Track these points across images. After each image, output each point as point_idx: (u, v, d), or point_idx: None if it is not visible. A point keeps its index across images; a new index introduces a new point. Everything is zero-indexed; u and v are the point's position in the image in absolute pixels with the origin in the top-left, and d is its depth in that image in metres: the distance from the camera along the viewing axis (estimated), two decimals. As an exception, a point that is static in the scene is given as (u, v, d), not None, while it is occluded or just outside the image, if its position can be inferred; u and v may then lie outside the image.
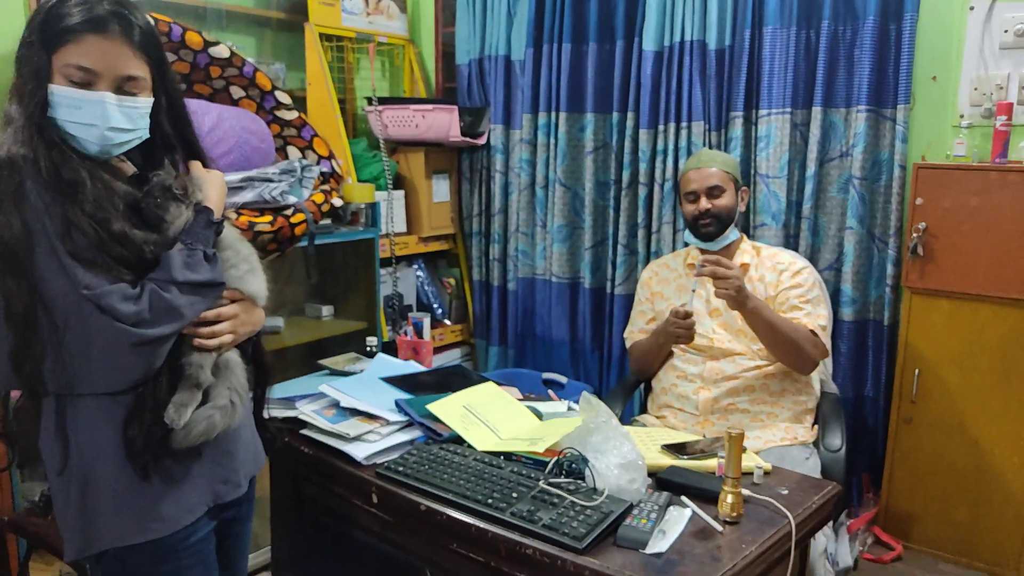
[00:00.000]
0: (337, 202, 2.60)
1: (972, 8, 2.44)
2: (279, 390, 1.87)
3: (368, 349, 2.23)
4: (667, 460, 1.61)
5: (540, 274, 3.29)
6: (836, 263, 2.69)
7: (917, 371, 2.51)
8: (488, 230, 3.46)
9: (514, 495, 1.42)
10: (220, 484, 1.36)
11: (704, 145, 2.81)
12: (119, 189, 1.23)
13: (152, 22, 1.27)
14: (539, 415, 1.82)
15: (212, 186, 1.34)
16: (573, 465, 1.48)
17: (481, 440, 1.66)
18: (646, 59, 2.87)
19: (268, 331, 2.61)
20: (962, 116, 2.48)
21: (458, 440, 1.67)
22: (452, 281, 3.55)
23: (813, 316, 2.16)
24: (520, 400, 1.91)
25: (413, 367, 2.10)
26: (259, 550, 2.43)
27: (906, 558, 2.55)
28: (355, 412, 1.76)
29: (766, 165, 2.70)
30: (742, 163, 2.65)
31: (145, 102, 1.25)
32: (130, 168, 1.31)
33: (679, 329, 2.15)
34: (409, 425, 1.74)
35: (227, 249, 1.33)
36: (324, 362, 2.12)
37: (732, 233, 2.27)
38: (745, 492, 1.43)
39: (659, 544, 1.30)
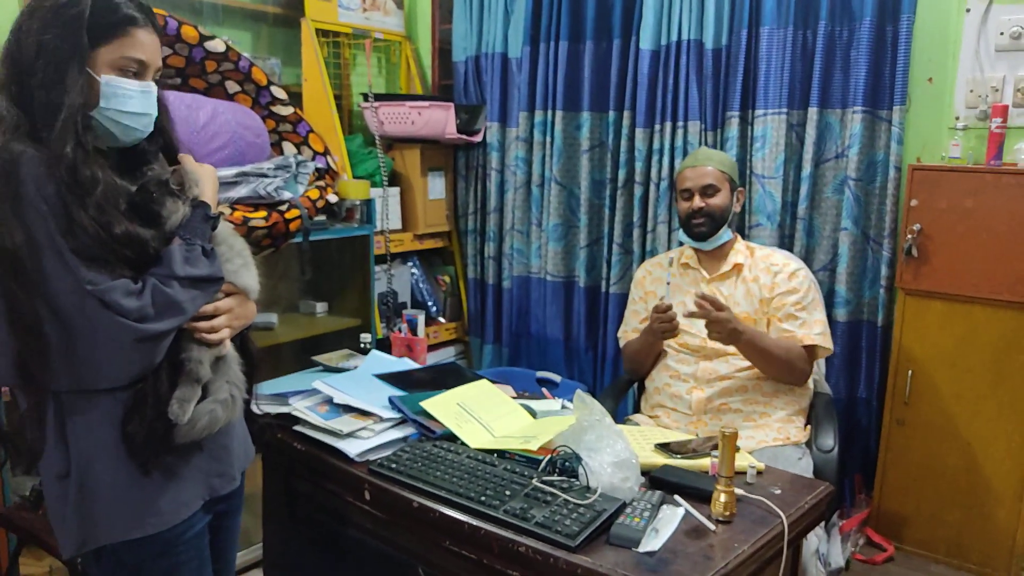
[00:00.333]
0: (332, 198, 2.58)
1: (968, 10, 2.44)
2: (272, 386, 1.86)
3: (362, 346, 2.22)
4: (660, 459, 1.61)
5: (535, 272, 3.29)
6: (830, 264, 2.69)
7: (910, 372, 2.52)
8: (483, 228, 3.45)
9: (507, 493, 1.42)
10: (216, 478, 1.37)
11: (700, 145, 2.81)
12: (121, 186, 1.23)
13: None
14: (533, 413, 1.82)
15: (207, 181, 1.35)
16: (566, 463, 1.48)
17: (474, 438, 1.66)
18: (643, 58, 2.87)
19: (261, 327, 2.62)
20: (957, 118, 2.49)
21: (451, 437, 1.67)
22: (447, 279, 3.54)
23: (808, 325, 2.17)
24: (514, 398, 1.91)
25: (407, 364, 2.10)
26: (251, 547, 2.42)
27: (898, 559, 2.56)
28: (348, 409, 1.75)
29: (762, 165, 2.71)
30: (738, 163, 2.65)
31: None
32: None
33: (662, 324, 2.17)
34: (402, 422, 1.73)
35: (221, 244, 1.34)
36: (318, 358, 2.11)
37: (725, 233, 2.28)
38: (738, 491, 1.43)
39: (652, 543, 1.30)
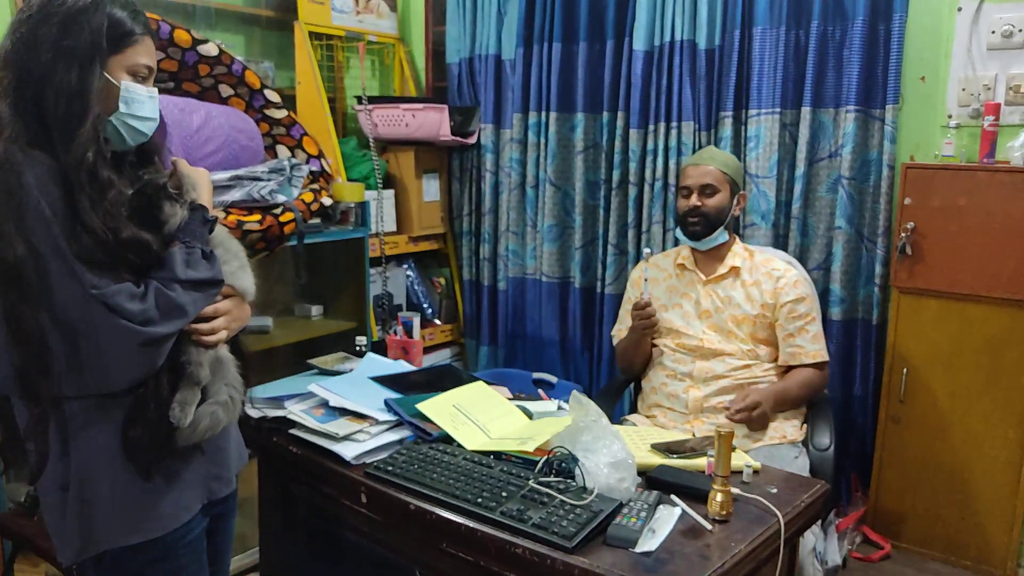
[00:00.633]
0: (326, 201, 2.59)
1: (960, 9, 2.45)
2: (268, 389, 1.86)
3: (357, 349, 2.22)
4: (657, 459, 1.61)
5: (530, 274, 3.29)
6: (825, 263, 2.70)
7: (905, 370, 2.52)
8: (478, 230, 3.45)
9: (504, 494, 1.42)
10: (213, 481, 1.38)
11: (694, 145, 2.81)
12: (124, 190, 1.23)
13: None
14: (529, 414, 1.81)
15: (202, 184, 1.35)
16: (563, 464, 1.48)
17: (471, 439, 1.65)
18: (636, 59, 2.87)
19: (256, 330, 2.61)
20: (950, 116, 2.50)
21: (448, 439, 1.67)
22: (442, 281, 3.54)
23: (817, 338, 2.22)
24: (510, 400, 1.91)
25: (403, 367, 2.09)
26: (247, 551, 2.42)
27: (894, 557, 2.57)
28: (344, 412, 1.75)
29: (755, 165, 2.71)
30: (732, 163, 2.66)
31: None
32: None
33: (642, 321, 2.21)
34: (398, 424, 1.73)
35: (218, 246, 1.34)
36: (313, 361, 2.11)
37: (720, 235, 2.27)
38: (734, 491, 1.43)
39: (649, 543, 1.30)
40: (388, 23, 3.42)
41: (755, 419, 2.08)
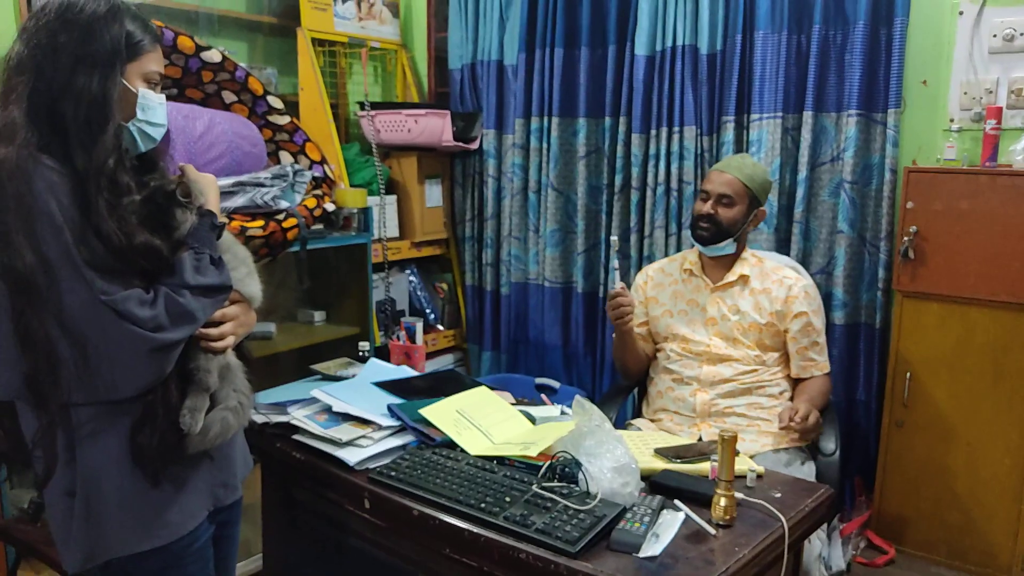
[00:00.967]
0: (329, 207, 2.60)
1: (961, 13, 2.45)
2: (271, 395, 1.86)
3: (360, 354, 2.22)
4: (660, 464, 1.61)
5: (533, 279, 3.29)
6: (827, 267, 2.70)
7: (908, 374, 2.52)
8: (481, 235, 3.46)
9: (507, 499, 1.42)
10: (220, 488, 1.37)
11: (696, 150, 2.82)
12: (135, 196, 1.24)
13: None
14: (532, 419, 1.81)
15: (210, 189, 1.35)
16: (566, 469, 1.47)
17: (474, 444, 1.65)
18: (638, 64, 2.88)
19: (260, 336, 2.62)
20: (952, 120, 2.50)
21: (451, 445, 1.67)
22: (445, 286, 3.54)
23: (824, 350, 2.25)
24: (513, 405, 1.91)
25: (406, 372, 2.09)
26: (251, 557, 2.42)
27: (899, 561, 2.56)
28: (347, 417, 1.75)
29: (758, 169, 2.71)
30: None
31: None
32: None
33: (612, 311, 2.20)
34: (402, 430, 1.73)
35: (226, 252, 1.35)
36: (316, 367, 2.11)
37: (729, 246, 2.24)
38: (738, 495, 1.43)
39: (652, 548, 1.30)
40: (390, 29, 3.43)
41: (811, 427, 2.04)
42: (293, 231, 2.34)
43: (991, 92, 2.43)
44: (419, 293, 3.40)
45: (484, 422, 1.75)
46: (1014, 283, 2.32)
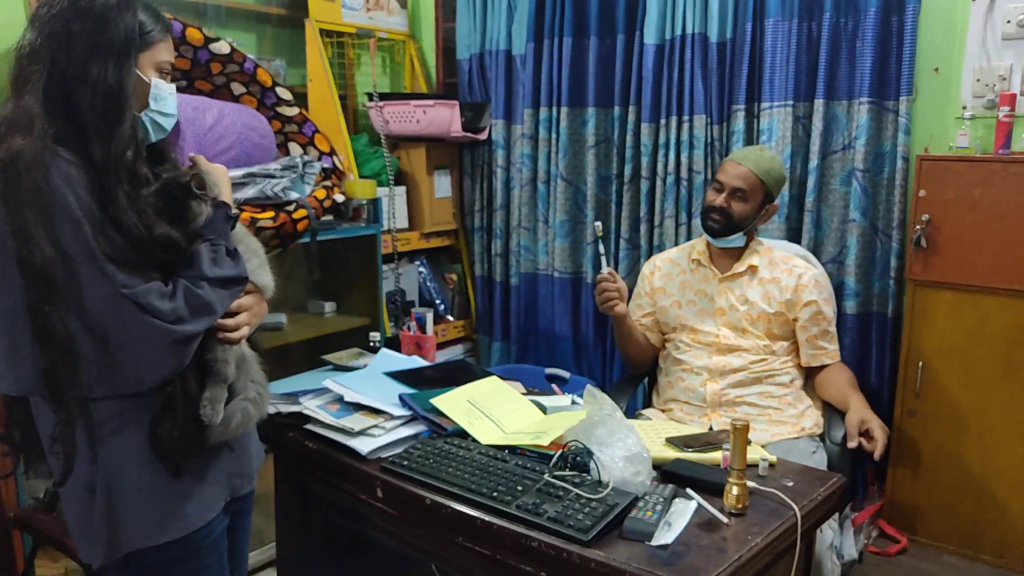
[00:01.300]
0: (339, 198, 2.60)
1: (974, -1, 2.43)
2: (283, 385, 1.87)
3: (371, 345, 2.23)
4: (672, 453, 1.61)
5: (542, 269, 3.29)
6: (839, 256, 2.68)
7: (920, 363, 2.51)
8: (490, 225, 3.45)
9: (519, 488, 1.42)
10: (236, 478, 1.39)
11: (706, 139, 2.80)
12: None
13: None
14: (543, 409, 1.82)
15: (223, 181, 1.35)
16: (578, 458, 1.48)
17: (485, 434, 1.66)
18: (647, 53, 2.87)
19: (270, 327, 2.63)
20: (965, 107, 2.48)
21: (462, 434, 1.67)
22: (454, 277, 3.55)
23: (835, 338, 2.24)
24: (524, 395, 1.91)
25: (417, 362, 2.10)
26: (264, 546, 2.43)
27: (911, 551, 2.55)
28: (359, 407, 1.75)
29: (768, 158, 2.70)
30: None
31: None
32: None
33: (599, 296, 2.22)
34: (413, 419, 1.74)
35: (240, 243, 1.35)
36: (328, 357, 2.12)
37: (738, 239, 2.23)
38: (750, 484, 1.42)
39: (665, 536, 1.30)
40: (398, 20, 3.42)
41: (882, 432, 2.03)
42: (303, 222, 2.34)
43: (1004, 79, 2.41)
44: (429, 284, 3.41)
45: (495, 411, 1.75)
46: (1027, 271, 2.30)
